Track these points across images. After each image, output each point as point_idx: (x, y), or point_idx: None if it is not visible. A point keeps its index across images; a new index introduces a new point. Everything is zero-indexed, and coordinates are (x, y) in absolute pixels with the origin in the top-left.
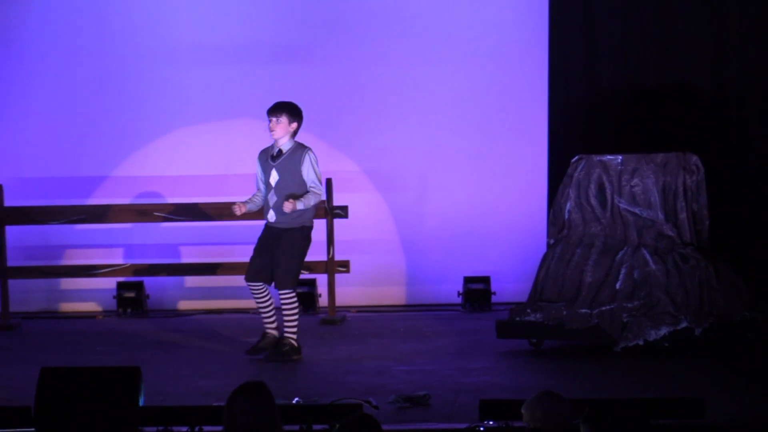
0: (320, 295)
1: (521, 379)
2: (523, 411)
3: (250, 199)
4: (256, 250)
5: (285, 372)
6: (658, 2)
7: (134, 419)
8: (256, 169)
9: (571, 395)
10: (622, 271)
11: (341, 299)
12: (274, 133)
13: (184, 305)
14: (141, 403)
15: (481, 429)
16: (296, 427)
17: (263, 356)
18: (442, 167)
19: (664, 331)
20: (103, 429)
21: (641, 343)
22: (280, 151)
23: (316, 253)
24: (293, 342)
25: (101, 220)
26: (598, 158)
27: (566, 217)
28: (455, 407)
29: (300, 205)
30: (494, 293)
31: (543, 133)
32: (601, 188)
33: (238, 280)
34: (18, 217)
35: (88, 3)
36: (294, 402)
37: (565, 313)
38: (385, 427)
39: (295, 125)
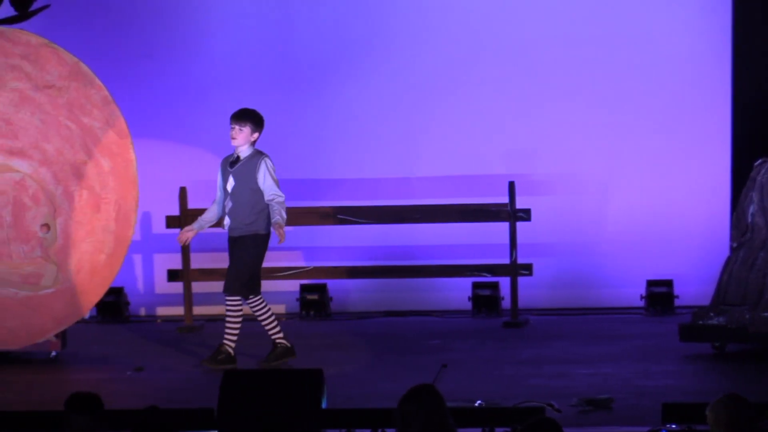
0: (503, 298)
1: (704, 382)
2: (707, 413)
3: (200, 217)
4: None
5: (468, 375)
6: None
7: (317, 421)
8: (218, 176)
9: (755, 399)
10: None
11: (524, 302)
12: (234, 140)
13: (368, 307)
14: (323, 405)
15: None
16: (478, 430)
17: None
18: (624, 170)
19: None
20: (285, 431)
21: None
22: (238, 157)
23: (498, 256)
24: (230, 350)
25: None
26: None
27: (749, 220)
28: (637, 410)
29: (282, 222)
30: (677, 296)
31: (726, 135)
32: None
33: (419, 283)
34: None
35: (273, 10)
36: (476, 405)
37: (748, 316)
38: (566, 430)
39: (256, 135)
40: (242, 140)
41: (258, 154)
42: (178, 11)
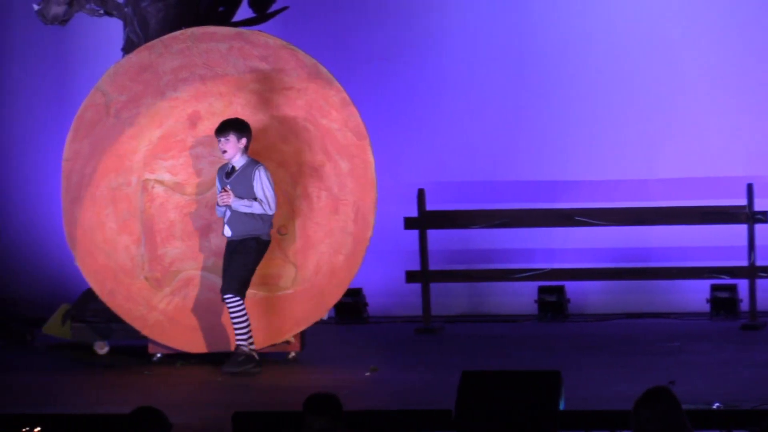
0: (741, 301)
1: None
2: None
3: None
4: (223, 269)
5: (705, 377)
6: None
7: (554, 423)
8: (216, 182)
9: None
10: None
11: (762, 304)
12: (226, 154)
13: (605, 309)
14: (561, 407)
15: None
16: None
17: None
18: None
19: None
20: None
21: None
22: (233, 168)
23: (736, 258)
24: (246, 350)
25: (522, 224)
26: None
27: None
28: None
29: (235, 202)
30: None
31: None
32: None
33: (656, 285)
34: (440, 221)
35: (508, 9)
36: (714, 407)
37: None
38: None
39: (244, 141)
40: (233, 151)
41: (253, 163)
42: (413, 12)
